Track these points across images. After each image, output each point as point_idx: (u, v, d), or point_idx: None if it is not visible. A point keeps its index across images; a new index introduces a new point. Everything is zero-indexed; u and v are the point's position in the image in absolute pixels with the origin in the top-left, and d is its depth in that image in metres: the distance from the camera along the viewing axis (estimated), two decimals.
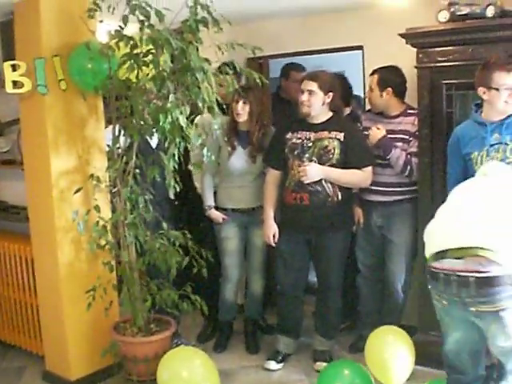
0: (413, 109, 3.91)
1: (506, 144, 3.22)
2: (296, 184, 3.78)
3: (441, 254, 2.72)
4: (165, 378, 3.35)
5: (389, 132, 3.91)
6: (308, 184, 3.73)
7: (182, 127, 3.15)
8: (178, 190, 3.46)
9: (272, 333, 4.41)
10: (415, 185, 3.89)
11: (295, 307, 4.07)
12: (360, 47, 4.38)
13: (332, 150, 3.74)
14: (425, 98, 3.69)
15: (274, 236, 3.95)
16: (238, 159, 4.06)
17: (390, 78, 3.92)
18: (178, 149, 3.30)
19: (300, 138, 3.80)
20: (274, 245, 3.98)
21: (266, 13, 4.42)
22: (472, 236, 2.63)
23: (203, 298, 3.79)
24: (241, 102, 3.95)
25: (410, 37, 3.66)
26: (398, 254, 4.00)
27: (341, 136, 3.75)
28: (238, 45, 3.32)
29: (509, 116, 3.23)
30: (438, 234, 2.81)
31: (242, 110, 3.97)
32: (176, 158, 3.31)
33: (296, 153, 3.78)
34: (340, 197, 3.78)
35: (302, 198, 3.78)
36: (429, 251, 2.83)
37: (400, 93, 3.94)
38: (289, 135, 3.85)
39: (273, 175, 3.96)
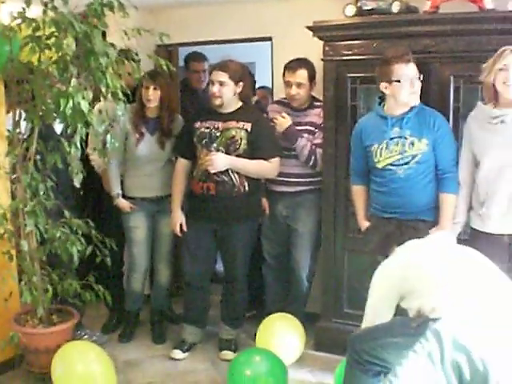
0: (318, 101, 3.98)
1: (405, 138, 3.34)
2: (203, 173, 3.77)
3: None
4: (59, 372, 3.29)
5: (296, 124, 3.96)
6: (215, 174, 3.72)
7: (84, 113, 3.07)
8: (81, 177, 3.38)
9: (179, 322, 4.39)
10: (320, 176, 3.95)
11: (201, 297, 4.07)
12: (269, 38, 4.40)
13: (239, 140, 3.73)
14: (330, 91, 3.76)
15: (180, 225, 3.93)
16: (147, 146, 4.00)
17: (314, 72, 3.96)
18: (81, 136, 3.22)
19: (208, 128, 3.77)
20: (179, 234, 3.95)
21: (176, 0, 4.37)
22: None
23: (107, 288, 3.74)
24: (151, 88, 3.89)
25: (317, 30, 3.71)
26: (303, 243, 4.07)
27: (248, 126, 3.75)
28: (145, 31, 3.27)
29: (409, 111, 3.33)
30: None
31: (153, 96, 3.91)
32: (78, 144, 3.23)
33: (204, 142, 3.76)
34: (247, 187, 3.79)
35: (208, 188, 3.77)
36: None
37: (314, 84, 3.99)
38: (197, 124, 3.83)
39: (181, 164, 3.94)
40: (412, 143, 3.32)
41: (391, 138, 3.35)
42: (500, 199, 3.14)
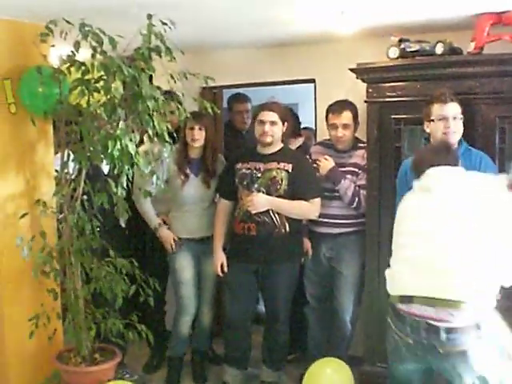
0: (362, 142, 3.97)
1: None
2: (244, 214, 3.79)
3: (408, 298, 2.73)
4: None
5: (339, 165, 3.96)
6: (255, 214, 3.74)
7: (131, 154, 3.13)
8: (127, 217, 3.42)
9: (220, 363, 4.36)
10: (363, 217, 3.93)
11: (243, 338, 4.04)
12: (312, 80, 4.45)
13: (280, 181, 3.76)
14: (374, 133, 3.75)
15: (222, 266, 3.93)
16: (193, 187, 4.03)
17: (357, 112, 3.98)
18: (127, 176, 3.28)
19: (249, 169, 3.80)
20: (221, 274, 3.96)
21: (221, 43, 4.46)
22: (445, 288, 2.63)
23: (149, 328, 3.74)
24: (197, 128, 3.95)
25: (361, 72, 3.74)
26: (347, 285, 4.02)
27: (289, 167, 3.78)
28: (190, 74, 3.34)
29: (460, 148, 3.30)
30: (406, 278, 2.79)
31: (198, 136, 3.96)
32: (124, 185, 3.28)
33: (245, 183, 3.78)
34: (288, 228, 3.79)
35: (249, 228, 3.79)
36: (393, 291, 2.84)
37: (356, 127, 4.02)
38: (239, 165, 3.87)
39: (223, 205, 3.97)
40: None
41: None
42: None
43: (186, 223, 4.08)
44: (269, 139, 3.79)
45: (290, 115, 4.01)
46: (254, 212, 3.73)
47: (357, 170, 3.96)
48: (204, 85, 3.58)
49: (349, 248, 4.00)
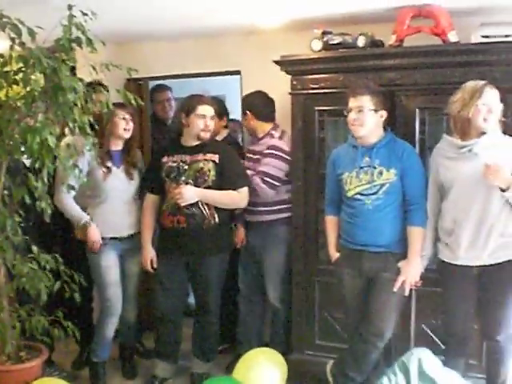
0: (275, 129, 4.03)
1: (374, 167, 3.36)
2: (173, 207, 3.77)
3: None
4: None
5: (253, 153, 4.06)
6: (184, 207, 3.73)
7: (51, 148, 3.06)
8: (49, 212, 3.34)
9: (150, 357, 4.34)
10: (286, 204, 3.98)
11: (174, 331, 4.03)
12: (238, 72, 4.46)
13: (207, 172, 3.76)
14: (298, 124, 3.80)
15: (151, 261, 3.91)
16: (116, 179, 3.89)
17: (249, 103, 4.05)
18: (48, 170, 3.20)
19: (176, 162, 3.79)
20: (151, 270, 3.93)
21: (147, 34, 4.41)
22: None
23: (77, 324, 3.68)
24: (129, 119, 3.89)
25: (284, 64, 3.77)
26: (274, 273, 4.06)
27: (216, 158, 3.79)
28: (113, 65, 3.30)
29: (379, 141, 3.38)
30: None
31: (129, 127, 3.89)
32: (46, 179, 3.20)
33: (172, 176, 3.77)
34: (217, 219, 3.80)
35: (178, 221, 3.77)
36: None
37: (261, 117, 4.03)
38: (165, 159, 3.84)
39: (150, 200, 3.93)
40: (380, 172, 3.34)
41: (361, 167, 3.38)
42: (468, 226, 3.17)
43: (109, 221, 3.90)
44: (208, 134, 3.81)
45: (225, 108, 4.13)
46: (183, 204, 3.71)
47: (260, 156, 3.99)
48: (128, 76, 3.52)
49: (274, 236, 4.04)
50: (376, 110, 3.34)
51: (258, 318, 4.29)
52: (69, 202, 3.80)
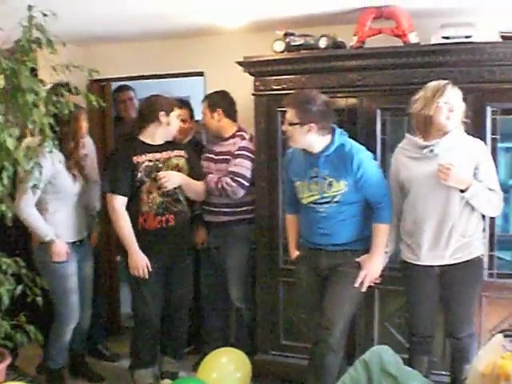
0: (243, 131, 4.05)
1: (323, 178, 3.27)
2: (159, 206, 3.74)
3: None
4: None
5: (218, 154, 4.06)
6: (171, 205, 3.74)
7: (10, 150, 3.01)
8: (10, 215, 3.27)
9: (116, 360, 4.30)
10: (248, 205, 4.00)
11: (154, 335, 3.92)
12: (201, 73, 4.46)
13: (183, 167, 3.82)
14: (261, 125, 3.82)
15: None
16: (67, 179, 3.77)
17: (218, 100, 4.04)
18: (8, 173, 3.13)
19: (151, 161, 3.73)
20: (147, 276, 3.72)
21: (110, 36, 4.38)
22: None
23: (41, 328, 3.61)
24: (85, 122, 3.86)
25: (247, 65, 3.78)
26: (236, 274, 4.07)
27: (183, 153, 3.85)
28: (74, 66, 3.27)
29: (324, 150, 3.26)
30: None
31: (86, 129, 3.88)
32: (5, 181, 3.15)
33: (153, 176, 3.72)
34: (189, 215, 3.89)
35: (167, 220, 3.75)
36: None
37: (229, 115, 4.05)
38: (138, 159, 3.71)
39: (122, 202, 3.71)
40: (330, 184, 3.26)
41: (311, 177, 3.31)
42: (429, 228, 3.20)
43: (69, 225, 3.82)
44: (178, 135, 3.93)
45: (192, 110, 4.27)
46: (169, 188, 3.71)
47: (229, 157, 4.00)
48: (90, 78, 3.49)
49: (234, 237, 4.04)
50: (301, 124, 3.20)
51: (222, 318, 4.30)
52: (31, 214, 3.64)
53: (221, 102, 4.03)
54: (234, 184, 3.90)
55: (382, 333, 3.71)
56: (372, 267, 3.32)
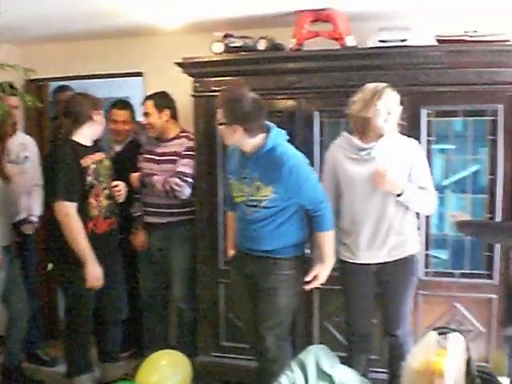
0: (186, 132, 4.04)
1: (253, 180, 3.16)
2: (107, 210, 3.67)
3: None
4: None
5: (161, 155, 4.01)
6: (114, 207, 3.73)
7: None
8: None
9: (55, 365, 4.24)
10: (190, 206, 3.97)
11: (89, 341, 3.84)
12: (140, 73, 4.43)
13: (111, 166, 3.80)
14: (200, 126, 3.81)
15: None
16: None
17: (165, 101, 4.01)
18: None
19: (94, 163, 3.64)
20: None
21: (48, 35, 4.29)
22: None
23: None
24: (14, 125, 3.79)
25: (186, 66, 3.77)
26: (179, 274, 4.06)
27: (105, 154, 3.81)
28: (8, 66, 3.20)
29: (257, 151, 3.14)
30: None
31: None
32: None
33: (101, 178, 3.64)
34: None
35: (112, 223, 3.72)
36: None
37: (175, 116, 4.04)
38: (84, 162, 3.57)
39: (73, 208, 3.51)
40: (258, 188, 3.13)
41: (242, 178, 3.20)
42: (366, 227, 3.24)
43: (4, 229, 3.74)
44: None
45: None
46: (122, 199, 3.76)
47: (176, 157, 3.98)
48: (25, 77, 3.43)
49: (178, 237, 4.03)
50: (228, 124, 3.09)
51: (162, 320, 4.27)
52: None
53: (168, 102, 4.01)
54: (183, 184, 3.88)
55: (322, 332, 3.75)
56: (325, 274, 3.25)
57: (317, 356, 2.45)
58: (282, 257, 3.22)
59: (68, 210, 3.49)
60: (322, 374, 2.39)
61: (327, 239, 3.22)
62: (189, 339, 4.14)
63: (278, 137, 3.16)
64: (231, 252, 3.52)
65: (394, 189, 3.16)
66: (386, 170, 3.12)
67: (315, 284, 3.27)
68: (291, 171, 3.07)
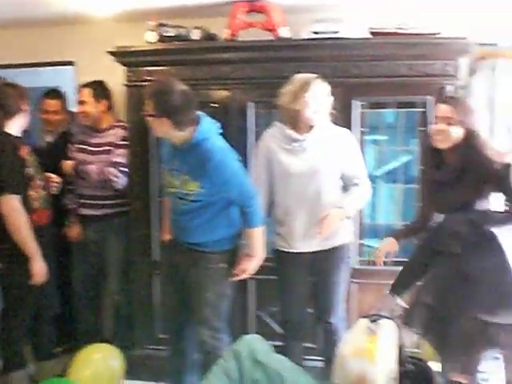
0: (121, 121, 4.00)
1: (181, 173, 3.12)
2: (45, 201, 3.57)
3: None
4: None
5: (96, 145, 3.94)
6: (50, 198, 3.62)
7: None
8: None
9: None
10: (125, 198, 3.93)
11: (24, 337, 3.72)
12: (71, 63, 4.34)
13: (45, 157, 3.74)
14: (133, 116, 3.75)
15: None
16: None
17: (103, 90, 3.95)
18: None
19: (28, 154, 3.50)
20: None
21: None
22: None
23: None
24: None
25: (119, 55, 3.71)
26: (115, 266, 4.01)
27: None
28: None
29: (186, 144, 3.07)
30: None
31: None
32: None
33: (37, 169, 3.54)
34: None
35: (50, 215, 3.62)
36: None
37: (111, 105, 3.99)
38: (22, 153, 3.45)
39: (18, 202, 3.37)
40: (186, 181, 3.10)
41: (173, 169, 3.17)
42: (300, 217, 3.27)
43: None
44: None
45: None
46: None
47: (112, 148, 3.93)
48: None
49: (114, 229, 3.97)
50: (156, 116, 3.04)
51: (96, 314, 4.21)
52: None
53: (106, 92, 3.95)
54: (119, 174, 3.84)
55: (257, 322, 3.78)
56: (251, 267, 3.25)
57: (251, 345, 2.45)
58: (211, 250, 3.20)
59: (14, 203, 3.36)
60: (256, 363, 2.40)
61: (256, 234, 3.20)
62: (125, 332, 4.11)
63: (208, 130, 3.11)
64: (167, 236, 3.46)
65: (341, 220, 3.25)
66: (328, 215, 3.19)
67: (243, 276, 3.26)
68: (218, 166, 3.03)
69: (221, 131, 3.19)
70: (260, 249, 3.22)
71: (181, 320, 3.41)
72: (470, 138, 2.85)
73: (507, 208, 2.81)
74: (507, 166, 2.74)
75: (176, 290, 3.36)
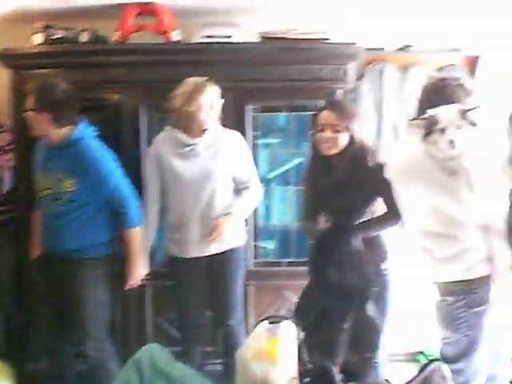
0: (5, 125, 3.80)
1: (56, 172, 3.09)
2: None
3: None
4: None
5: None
6: None
7: None
8: None
9: None
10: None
11: None
12: None
13: None
14: (19, 120, 3.47)
15: None
16: None
17: None
18: None
19: None
20: None
21: None
22: None
23: None
24: None
25: (5, 58, 3.56)
26: (4, 278, 3.79)
27: None
28: None
29: (61, 142, 3.09)
30: None
31: None
32: None
33: None
34: None
35: None
36: None
37: None
38: None
39: None
40: (61, 180, 3.08)
41: (48, 169, 3.13)
42: (194, 222, 3.25)
43: None
44: None
45: None
46: None
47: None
48: None
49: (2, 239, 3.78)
50: (37, 111, 3.05)
51: None
52: None
53: None
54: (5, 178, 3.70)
55: (156, 329, 3.73)
56: (138, 274, 3.24)
57: (151, 355, 2.42)
58: (87, 256, 3.15)
59: None
60: (157, 372, 2.37)
61: (134, 236, 3.19)
62: (16, 346, 3.94)
63: (86, 131, 3.14)
64: (37, 252, 3.39)
65: (231, 226, 3.27)
66: (218, 223, 3.22)
67: (132, 284, 3.25)
68: (94, 163, 3.08)
69: (96, 134, 3.19)
70: (139, 251, 3.21)
71: (60, 335, 3.35)
72: (355, 143, 2.94)
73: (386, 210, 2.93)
74: (381, 165, 2.85)
75: (54, 304, 3.29)
